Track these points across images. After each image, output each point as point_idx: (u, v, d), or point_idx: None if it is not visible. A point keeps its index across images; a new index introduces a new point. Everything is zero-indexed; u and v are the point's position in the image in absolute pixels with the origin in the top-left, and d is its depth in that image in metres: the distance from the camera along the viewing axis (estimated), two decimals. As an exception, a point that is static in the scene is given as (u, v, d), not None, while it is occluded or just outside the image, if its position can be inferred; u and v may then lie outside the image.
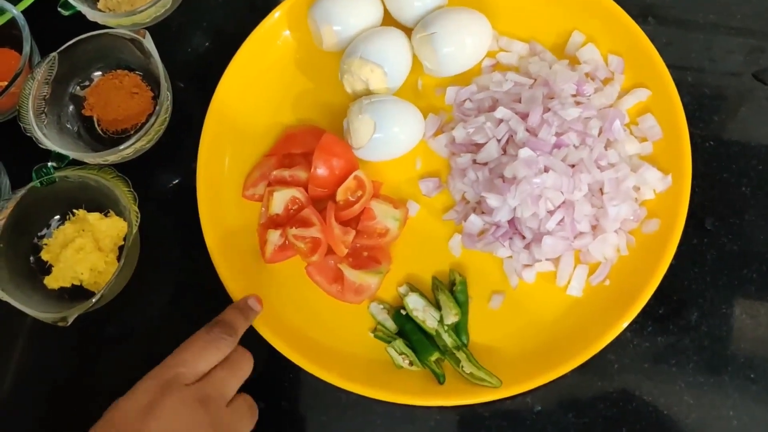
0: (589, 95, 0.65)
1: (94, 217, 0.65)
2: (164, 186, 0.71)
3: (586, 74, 0.66)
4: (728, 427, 0.58)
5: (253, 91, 0.70)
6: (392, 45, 0.66)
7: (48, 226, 0.68)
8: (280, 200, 0.64)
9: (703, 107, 0.67)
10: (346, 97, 0.68)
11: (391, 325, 0.62)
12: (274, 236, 0.64)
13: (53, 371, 0.66)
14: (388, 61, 0.65)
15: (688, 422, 0.59)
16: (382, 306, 0.63)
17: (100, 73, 0.73)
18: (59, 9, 0.71)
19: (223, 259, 0.64)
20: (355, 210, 0.63)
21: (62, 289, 0.65)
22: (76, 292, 0.65)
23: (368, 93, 0.66)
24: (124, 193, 0.62)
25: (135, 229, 0.62)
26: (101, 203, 0.66)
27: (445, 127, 0.68)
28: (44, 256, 0.66)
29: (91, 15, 0.71)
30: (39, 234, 0.68)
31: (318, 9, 0.67)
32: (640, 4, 0.71)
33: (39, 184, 0.63)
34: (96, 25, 0.71)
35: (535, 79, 0.66)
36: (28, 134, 0.66)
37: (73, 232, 0.65)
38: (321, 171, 0.64)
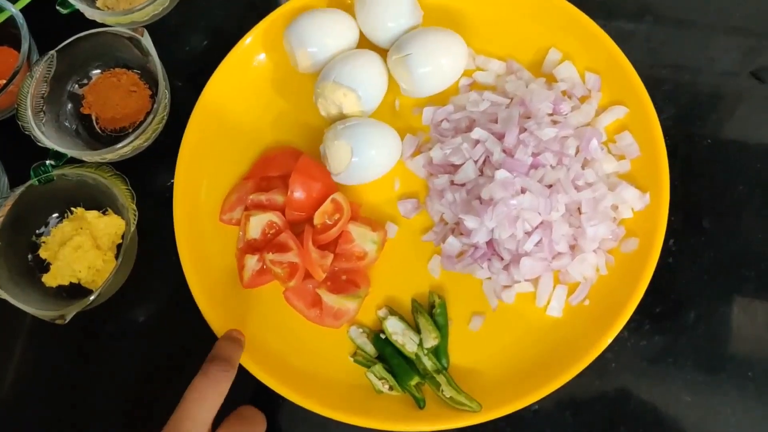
0: (566, 114, 0.64)
1: (92, 215, 0.65)
2: (162, 184, 0.71)
3: (563, 92, 0.66)
4: (726, 425, 0.59)
5: (230, 113, 0.70)
6: (366, 67, 0.65)
7: (46, 224, 0.68)
8: (257, 225, 0.64)
9: (700, 106, 0.67)
10: (317, 119, 0.68)
11: (370, 349, 0.62)
12: (252, 261, 0.63)
13: (52, 369, 0.66)
14: (362, 84, 0.65)
15: (687, 421, 0.59)
16: (361, 330, 0.63)
17: (98, 71, 0.73)
18: (57, 7, 0.70)
19: (201, 286, 0.64)
20: (333, 233, 0.63)
21: (60, 287, 0.65)
22: (74, 291, 0.65)
23: (342, 117, 0.66)
24: (122, 191, 0.63)
25: (133, 227, 0.62)
26: (99, 201, 0.66)
27: (423, 148, 0.67)
28: (42, 254, 0.66)
29: (89, 13, 0.71)
30: (37, 232, 0.68)
31: (292, 32, 0.67)
32: (638, 2, 0.70)
33: (37, 182, 0.63)
34: (94, 23, 0.71)
35: (512, 99, 0.66)
36: (27, 132, 0.65)
37: (72, 230, 0.65)
38: (298, 194, 0.63)
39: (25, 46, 0.69)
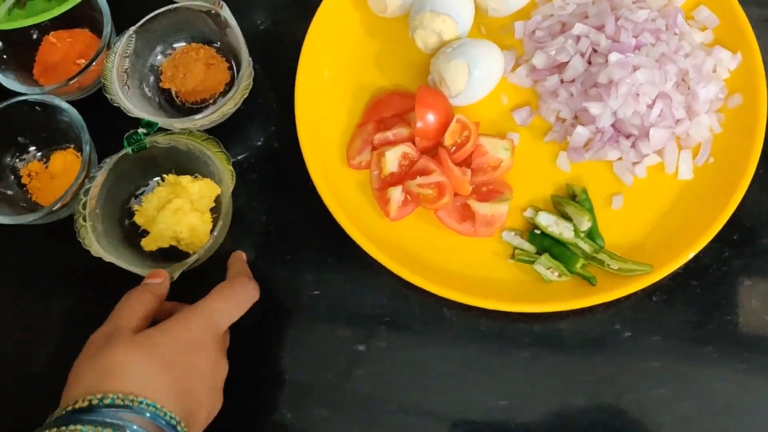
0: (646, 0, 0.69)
1: (186, 179, 0.66)
2: (247, 147, 0.73)
3: (635, -18, 0.71)
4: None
5: (330, 69, 0.73)
6: (455, -6, 0.69)
7: (139, 192, 0.69)
8: (393, 158, 0.66)
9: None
10: (414, 56, 0.72)
11: (528, 246, 0.65)
12: (397, 193, 0.65)
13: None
14: (456, 9, 0.68)
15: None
16: (514, 233, 0.66)
17: (177, 45, 0.74)
18: None
19: (351, 222, 0.66)
20: (468, 149, 0.66)
21: (157, 251, 0.66)
22: (171, 254, 0.66)
23: (441, 45, 0.69)
24: (216, 154, 0.64)
25: (231, 187, 0.63)
26: (189, 167, 0.67)
27: (520, 60, 0.71)
28: (138, 220, 0.67)
29: None
30: (132, 199, 0.69)
31: (378, -22, 0.70)
32: None
33: (131, 151, 0.64)
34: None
35: (592, -3, 0.70)
36: (116, 104, 0.66)
37: (167, 195, 0.66)
38: (424, 122, 0.66)
39: (107, 28, 0.70)
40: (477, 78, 0.66)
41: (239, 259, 0.64)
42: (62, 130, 0.71)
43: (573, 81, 0.68)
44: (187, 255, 0.66)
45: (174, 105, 0.74)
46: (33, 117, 0.70)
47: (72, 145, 0.72)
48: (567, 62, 0.68)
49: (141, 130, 0.64)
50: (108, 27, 0.70)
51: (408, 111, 0.70)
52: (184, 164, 0.68)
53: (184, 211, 0.65)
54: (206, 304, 0.56)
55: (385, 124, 0.70)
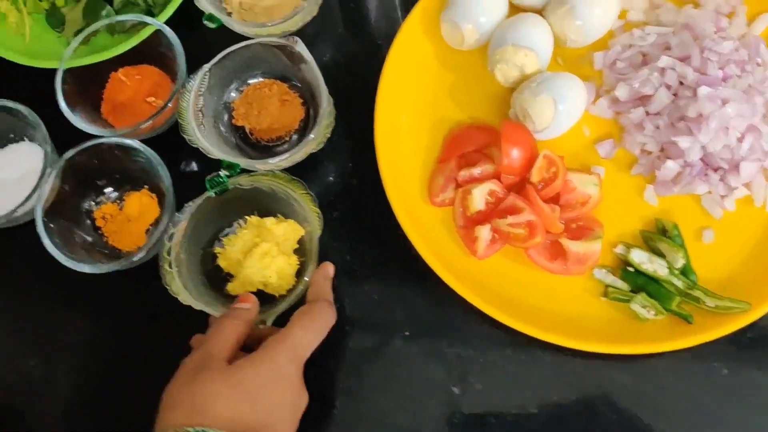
0: (726, 29, 0.69)
1: (271, 222, 0.64)
2: (325, 184, 0.72)
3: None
4: None
5: (407, 103, 0.72)
6: (537, 27, 0.68)
7: (222, 233, 0.68)
8: (480, 196, 0.66)
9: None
10: (492, 88, 0.71)
11: (621, 284, 0.64)
12: (485, 232, 0.65)
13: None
14: (538, 43, 0.68)
15: None
16: (605, 270, 0.65)
17: (250, 81, 0.73)
18: (205, 22, 0.69)
19: (438, 261, 0.65)
20: (557, 186, 0.65)
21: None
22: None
23: (522, 78, 0.69)
24: (302, 196, 0.63)
25: (320, 231, 0.62)
26: (271, 207, 0.66)
27: (600, 91, 0.70)
28: (221, 263, 0.66)
29: (238, 27, 0.71)
30: (214, 241, 0.68)
31: (455, 11, 0.69)
32: None
33: (213, 194, 0.63)
34: (224, 35, 0.71)
35: (673, 27, 0.70)
36: (194, 145, 0.65)
37: (252, 237, 0.65)
38: (510, 158, 0.65)
39: (182, 64, 0.69)
40: (562, 112, 0.65)
41: (323, 276, 0.62)
42: (136, 170, 0.70)
43: (659, 113, 0.67)
44: (272, 296, 0.65)
45: (248, 142, 0.72)
46: (108, 159, 0.69)
47: (146, 186, 0.71)
48: (651, 94, 0.67)
49: (223, 173, 0.63)
50: (183, 65, 0.69)
51: (488, 145, 0.69)
52: (266, 204, 0.66)
53: (272, 255, 0.64)
54: (290, 335, 0.56)
55: (467, 159, 0.69)
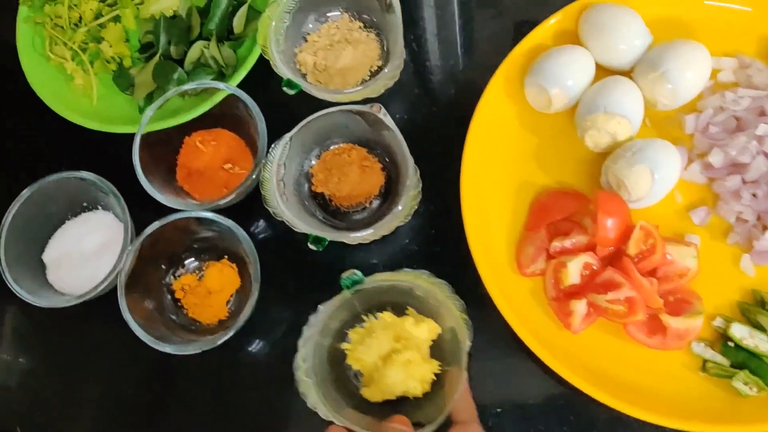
0: (820, 91, 0.67)
1: (410, 323, 0.59)
2: (406, 254, 0.71)
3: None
4: None
5: (492, 170, 0.70)
6: (629, 93, 0.66)
7: (346, 333, 0.62)
8: (575, 269, 0.64)
9: None
10: (579, 152, 0.69)
11: (721, 359, 0.63)
12: (581, 306, 0.63)
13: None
14: (629, 108, 0.66)
15: None
16: (704, 344, 0.63)
17: (330, 147, 0.71)
18: (284, 89, 0.67)
19: (532, 335, 0.63)
20: (656, 259, 0.63)
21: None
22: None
23: (614, 145, 0.67)
24: (447, 300, 0.57)
25: (469, 343, 0.56)
26: (400, 300, 0.61)
27: (691, 155, 0.69)
28: (352, 364, 0.60)
29: (318, 94, 0.69)
30: (341, 340, 0.62)
31: (541, 74, 0.67)
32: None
33: (349, 294, 0.59)
34: (277, 94, 0.68)
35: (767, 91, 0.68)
36: (278, 218, 0.64)
37: (389, 340, 0.59)
38: (607, 230, 0.64)
39: (263, 131, 0.67)
40: (658, 181, 0.63)
41: (467, 398, 0.56)
42: (215, 240, 0.68)
43: (756, 181, 0.65)
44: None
45: (328, 210, 0.71)
46: (186, 230, 0.67)
47: (226, 256, 0.69)
48: (748, 163, 0.65)
49: (356, 273, 0.58)
50: (264, 134, 0.67)
51: (578, 213, 0.68)
52: (395, 298, 0.62)
53: (416, 363, 0.58)
54: None
55: (557, 228, 0.67)
